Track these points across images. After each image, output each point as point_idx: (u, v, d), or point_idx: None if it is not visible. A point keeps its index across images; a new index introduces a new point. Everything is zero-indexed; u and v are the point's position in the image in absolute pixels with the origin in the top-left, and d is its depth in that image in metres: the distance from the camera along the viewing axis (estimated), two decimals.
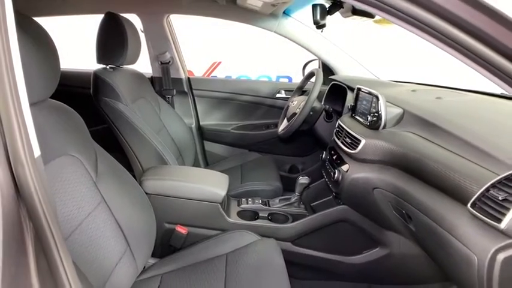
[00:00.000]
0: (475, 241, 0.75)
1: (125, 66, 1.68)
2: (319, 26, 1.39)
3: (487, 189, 0.74)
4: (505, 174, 0.72)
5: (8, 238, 0.53)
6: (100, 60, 1.55)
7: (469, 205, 0.77)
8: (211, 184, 1.43)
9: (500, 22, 0.57)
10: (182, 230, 1.39)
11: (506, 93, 1.10)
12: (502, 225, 0.68)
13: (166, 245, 1.42)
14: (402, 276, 1.41)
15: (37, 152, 0.57)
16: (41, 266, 0.59)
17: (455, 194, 0.85)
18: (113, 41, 1.53)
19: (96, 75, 1.51)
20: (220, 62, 5.12)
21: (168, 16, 2.02)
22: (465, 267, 0.78)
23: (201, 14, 1.99)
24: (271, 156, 2.23)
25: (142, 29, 2.00)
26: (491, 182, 0.74)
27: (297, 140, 2.20)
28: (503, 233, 0.69)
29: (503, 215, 0.69)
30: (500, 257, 0.69)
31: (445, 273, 1.04)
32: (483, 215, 0.73)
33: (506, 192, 0.70)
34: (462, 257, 0.79)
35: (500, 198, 0.71)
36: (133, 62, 1.66)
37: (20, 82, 0.55)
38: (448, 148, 0.96)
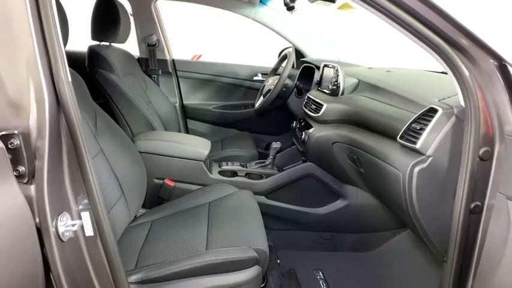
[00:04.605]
0: (400, 162, 1.00)
1: (115, 44, 1.85)
2: (289, 8, 1.61)
3: (410, 124, 0.99)
4: (421, 111, 0.97)
5: (51, 141, 0.71)
6: (94, 36, 1.72)
7: (398, 137, 1.01)
8: (196, 145, 1.63)
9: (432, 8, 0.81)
10: (170, 183, 1.58)
11: (440, 70, 1.39)
12: (417, 145, 0.93)
13: (155, 198, 1.60)
14: (360, 225, 1.66)
15: (69, 77, 0.75)
16: (72, 173, 0.78)
17: (390, 134, 1.10)
18: (107, 20, 1.70)
19: (92, 49, 1.68)
20: (201, 55, 5.30)
21: (156, 1, 2.20)
22: (395, 185, 1.02)
23: None
24: (249, 134, 2.45)
25: (131, 13, 2.17)
26: (412, 119, 0.99)
27: (273, 119, 2.42)
28: (418, 152, 0.94)
29: (418, 138, 0.93)
30: (416, 169, 0.94)
31: (390, 207, 1.29)
32: (406, 142, 0.97)
33: (422, 124, 0.95)
34: (393, 177, 1.03)
35: (417, 128, 0.95)
36: (123, 41, 1.83)
37: (58, 27, 0.73)
38: (388, 103, 1.21)
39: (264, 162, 1.81)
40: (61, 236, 0.72)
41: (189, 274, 1.05)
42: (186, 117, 2.49)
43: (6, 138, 0.66)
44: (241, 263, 1.08)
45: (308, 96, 1.68)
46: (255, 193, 1.64)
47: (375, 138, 1.19)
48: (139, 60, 2.31)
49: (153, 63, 2.29)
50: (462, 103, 0.88)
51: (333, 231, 1.71)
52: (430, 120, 0.93)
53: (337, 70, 1.50)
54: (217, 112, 2.49)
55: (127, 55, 1.96)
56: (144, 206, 1.51)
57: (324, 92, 1.61)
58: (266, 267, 1.15)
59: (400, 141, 1.00)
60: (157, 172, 1.59)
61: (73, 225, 0.75)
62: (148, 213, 1.44)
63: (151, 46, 2.25)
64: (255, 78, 2.48)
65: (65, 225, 0.73)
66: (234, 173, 1.73)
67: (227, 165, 1.76)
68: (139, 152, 1.52)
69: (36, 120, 0.69)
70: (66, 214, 0.74)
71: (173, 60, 2.38)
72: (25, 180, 0.69)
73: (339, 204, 1.64)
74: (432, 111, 0.94)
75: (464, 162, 0.87)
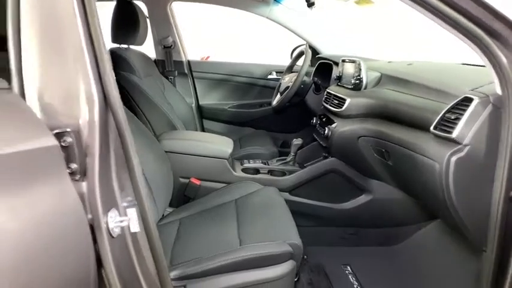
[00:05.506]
0: (436, 153, 1.00)
1: (133, 46, 1.87)
2: (310, 4, 1.63)
3: (444, 114, 0.99)
4: (455, 101, 0.98)
5: (101, 138, 0.72)
6: (115, 39, 1.74)
7: (432, 128, 1.01)
8: (219, 143, 1.64)
9: None
10: (196, 181, 1.59)
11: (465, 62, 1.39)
12: (453, 134, 0.93)
13: (181, 197, 1.61)
14: (385, 219, 1.66)
15: (114, 75, 0.77)
16: (118, 169, 0.79)
17: (421, 125, 1.10)
18: (126, 23, 1.72)
19: (113, 51, 1.70)
20: (208, 56, 5.34)
21: (171, 3, 2.22)
22: (430, 175, 1.02)
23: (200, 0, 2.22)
24: (266, 132, 2.45)
25: (147, 15, 2.19)
26: (446, 108, 0.99)
27: (288, 116, 2.42)
28: (455, 141, 0.94)
29: (454, 128, 0.93)
30: (453, 159, 0.94)
31: (419, 197, 1.29)
32: (441, 132, 0.97)
33: (456, 113, 0.95)
34: (428, 168, 1.03)
35: (452, 118, 0.95)
36: (141, 43, 1.85)
37: (101, 26, 0.74)
38: (416, 94, 1.21)
39: (285, 159, 1.81)
40: (111, 231, 0.73)
41: (225, 270, 1.06)
42: (202, 117, 2.51)
43: (59, 136, 0.67)
44: (276, 257, 1.08)
45: (328, 92, 1.69)
46: (279, 189, 1.65)
47: (404, 130, 1.19)
48: (155, 62, 2.33)
49: (169, 64, 2.31)
50: (499, 91, 0.88)
51: (357, 226, 1.71)
52: (465, 110, 0.93)
53: (359, 64, 1.50)
54: (233, 111, 2.50)
55: (145, 57, 1.98)
56: (170, 205, 1.52)
57: (345, 87, 1.61)
58: (300, 261, 1.16)
59: (434, 131, 1.00)
60: (182, 171, 1.60)
61: (121, 221, 0.76)
62: (175, 212, 1.45)
63: (167, 48, 2.27)
64: (270, 76, 2.49)
65: (114, 221, 0.74)
66: (257, 171, 1.73)
67: (249, 162, 1.77)
68: (165, 151, 1.53)
69: (87, 118, 0.70)
70: (114, 210, 0.76)
71: (189, 61, 2.40)
72: (77, 177, 0.70)
73: (363, 199, 1.64)
74: (467, 100, 0.94)
75: (503, 149, 0.87)
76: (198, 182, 1.60)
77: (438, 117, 1.00)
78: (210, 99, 2.51)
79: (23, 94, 0.70)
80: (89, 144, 0.70)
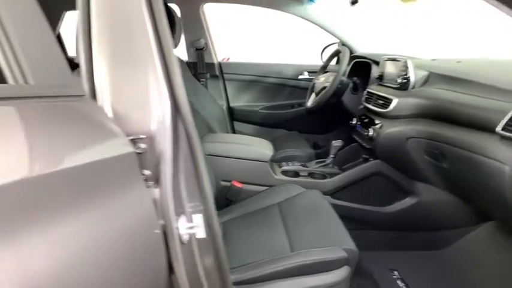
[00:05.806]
0: (505, 155, 0.95)
1: None
2: (353, 1, 1.59)
3: None
4: None
5: (173, 144, 0.71)
6: None
7: (500, 129, 0.96)
8: (260, 146, 1.62)
9: None
10: (238, 184, 1.58)
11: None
12: None
13: (222, 200, 1.60)
14: (430, 222, 1.60)
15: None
16: (187, 175, 0.78)
17: (484, 126, 1.05)
18: None
19: None
20: (229, 58, 5.35)
21: (203, 4, 2.21)
22: (498, 177, 0.97)
23: (233, 0, 2.20)
24: (298, 133, 2.42)
25: (180, 18, 2.19)
26: None
27: (321, 117, 2.38)
28: None
29: None
30: None
31: (474, 200, 1.24)
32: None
33: None
34: (495, 170, 0.98)
35: None
36: (176, 45, 1.84)
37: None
38: (474, 93, 1.15)
39: (324, 161, 1.78)
40: (181, 238, 0.72)
41: (280, 275, 1.04)
42: (233, 119, 2.49)
43: (133, 143, 0.66)
44: (332, 263, 1.06)
45: (370, 92, 1.64)
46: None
47: (462, 131, 1.14)
48: (187, 64, 2.33)
49: (201, 66, 2.31)
50: None
51: (401, 230, 1.65)
52: None
53: (405, 63, 1.45)
54: (265, 113, 2.48)
55: (178, 59, 1.98)
56: None
57: (389, 86, 1.56)
58: (354, 267, 1.12)
59: (503, 132, 0.95)
60: (223, 175, 1.59)
61: (190, 227, 0.75)
62: (217, 215, 1.44)
63: (199, 50, 2.27)
64: (301, 76, 2.45)
65: (185, 227, 0.73)
66: (296, 174, 1.70)
67: (287, 165, 1.75)
68: (206, 154, 1.52)
69: (160, 123, 0.69)
70: (183, 217, 0.74)
71: (219, 63, 2.39)
72: (150, 184, 0.69)
73: (408, 202, 1.59)
74: None
75: None
76: (240, 185, 1.58)
77: (507, 118, 0.95)
78: (241, 101, 2.50)
79: (94, 100, 0.69)
80: (161, 150, 0.69)
